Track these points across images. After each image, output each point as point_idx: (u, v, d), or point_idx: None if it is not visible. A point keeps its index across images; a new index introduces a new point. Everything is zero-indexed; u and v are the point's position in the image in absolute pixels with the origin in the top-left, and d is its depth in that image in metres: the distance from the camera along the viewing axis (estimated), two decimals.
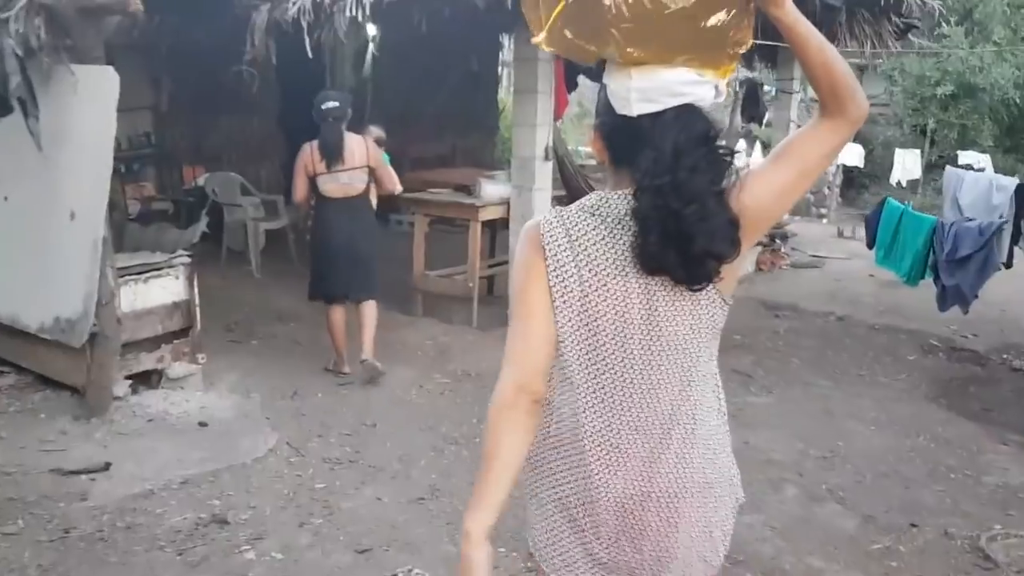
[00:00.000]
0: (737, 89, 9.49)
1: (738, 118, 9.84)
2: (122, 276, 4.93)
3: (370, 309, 5.81)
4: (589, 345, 1.66)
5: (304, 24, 5.80)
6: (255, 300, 7.65)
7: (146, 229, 5.34)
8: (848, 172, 14.54)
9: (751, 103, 9.72)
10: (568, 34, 1.59)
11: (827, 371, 6.25)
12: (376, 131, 6.20)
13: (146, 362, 5.13)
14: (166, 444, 4.57)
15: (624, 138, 1.62)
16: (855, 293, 8.85)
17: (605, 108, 1.65)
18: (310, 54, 5.87)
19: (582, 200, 1.70)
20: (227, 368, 5.81)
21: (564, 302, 1.65)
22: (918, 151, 14.04)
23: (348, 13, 5.74)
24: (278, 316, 7.21)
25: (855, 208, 14.59)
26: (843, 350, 6.76)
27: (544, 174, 6.61)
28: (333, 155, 5.53)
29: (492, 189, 6.81)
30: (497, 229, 7.62)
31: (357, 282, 5.78)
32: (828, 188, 14.17)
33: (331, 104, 5.57)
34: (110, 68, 4.60)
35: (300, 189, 5.67)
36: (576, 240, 1.64)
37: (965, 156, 13.60)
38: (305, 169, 5.61)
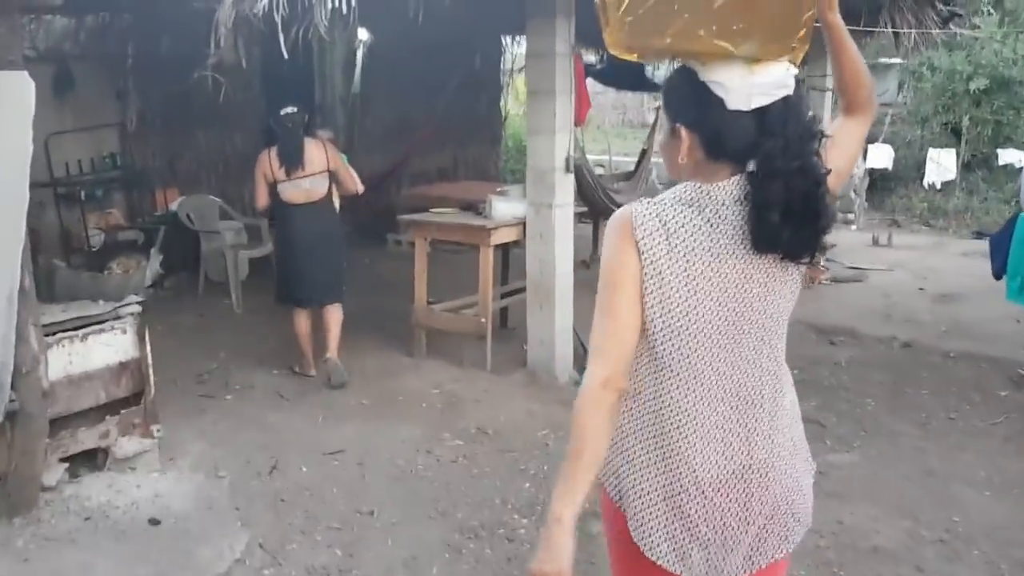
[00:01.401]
0: None
1: None
2: (52, 334, 3.94)
3: (335, 313, 5.80)
4: (690, 334, 1.73)
5: (278, 19, 4.82)
6: (234, 341, 6.66)
7: (81, 275, 4.33)
8: (871, 174, 13.56)
9: None
10: (703, 33, 1.65)
11: (911, 415, 5.24)
12: (324, 135, 6.07)
13: (86, 440, 4.12)
14: (103, 555, 3.54)
15: (732, 133, 1.69)
16: (910, 311, 7.84)
17: (704, 105, 1.71)
18: (285, 54, 4.88)
19: (675, 191, 1.76)
20: (193, 436, 4.81)
21: (663, 294, 1.72)
22: (953, 150, 13.05)
23: (330, 4, 4.77)
24: (259, 361, 6.22)
25: (882, 212, 13.63)
26: (921, 386, 5.75)
27: (565, 188, 5.62)
28: (293, 162, 5.51)
29: (505, 207, 5.81)
30: (509, 249, 6.64)
31: (324, 288, 5.76)
32: (854, 192, 13.17)
33: (289, 109, 5.56)
34: (24, 74, 3.59)
35: (261, 197, 5.68)
36: (674, 232, 1.70)
37: (1005, 155, 12.67)
38: (265, 176, 5.58)
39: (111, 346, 4.17)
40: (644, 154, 9.35)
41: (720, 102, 1.69)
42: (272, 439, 4.84)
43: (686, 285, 1.70)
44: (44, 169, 7.38)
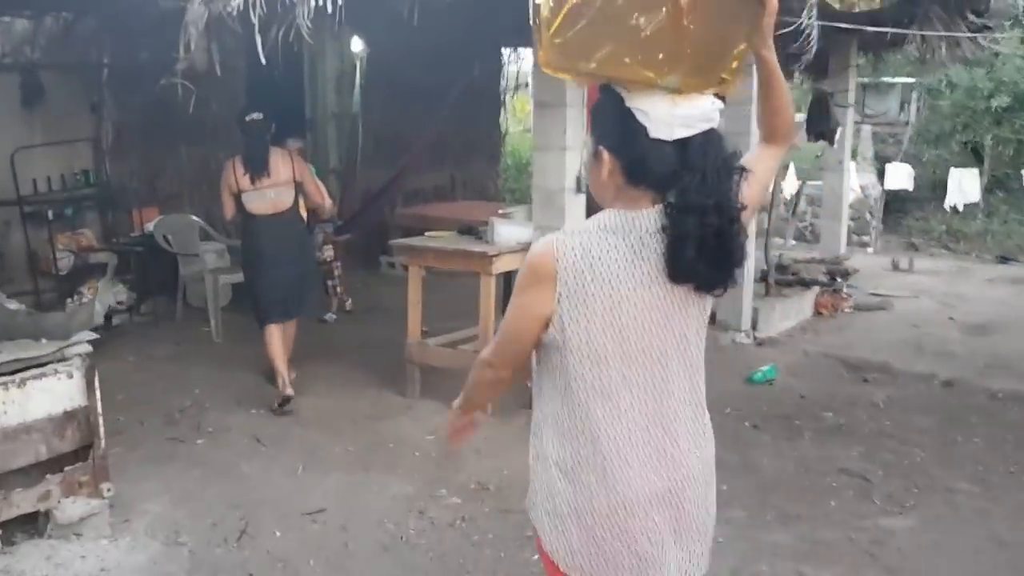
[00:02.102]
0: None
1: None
2: None
3: (291, 328, 5.70)
4: (615, 359, 1.76)
5: (255, 19, 4.27)
6: (211, 375, 6.08)
7: (17, 311, 3.74)
8: (887, 195, 13.01)
9: (818, 118, 8.12)
10: (629, 61, 1.66)
11: (966, 468, 4.65)
12: (294, 144, 5.94)
13: (23, 503, 3.52)
14: None
15: (652, 161, 1.71)
16: (942, 343, 7.26)
17: (627, 130, 1.72)
18: (263, 59, 4.34)
19: (598, 219, 1.78)
20: (155, 490, 4.22)
21: (587, 321, 1.74)
22: (976, 171, 12.48)
23: (313, 2, 4.23)
24: (237, 398, 5.64)
25: (897, 235, 13.09)
26: (972, 432, 5.16)
27: (576, 211, 5.06)
28: (258, 169, 5.35)
29: (508, 231, 5.24)
30: (512, 275, 6.06)
31: (293, 301, 5.64)
32: (870, 214, 12.63)
33: (254, 116, 5.41)
34: None
35: (227, 208, 5.56)
36: (598, 259, 1.72)
37: None
38: (229, 187, 5.44)
39: (54, 393, 3.59)
40: None
41: (643, 129, 1.70)
42: (244, 494, 4.25)
43: (610, 311, 1.73)
44: (10, 186, 6.84)
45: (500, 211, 5.54)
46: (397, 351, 5.73)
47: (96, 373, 3.67)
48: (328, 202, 5.82)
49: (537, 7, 1.66)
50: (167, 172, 8.37)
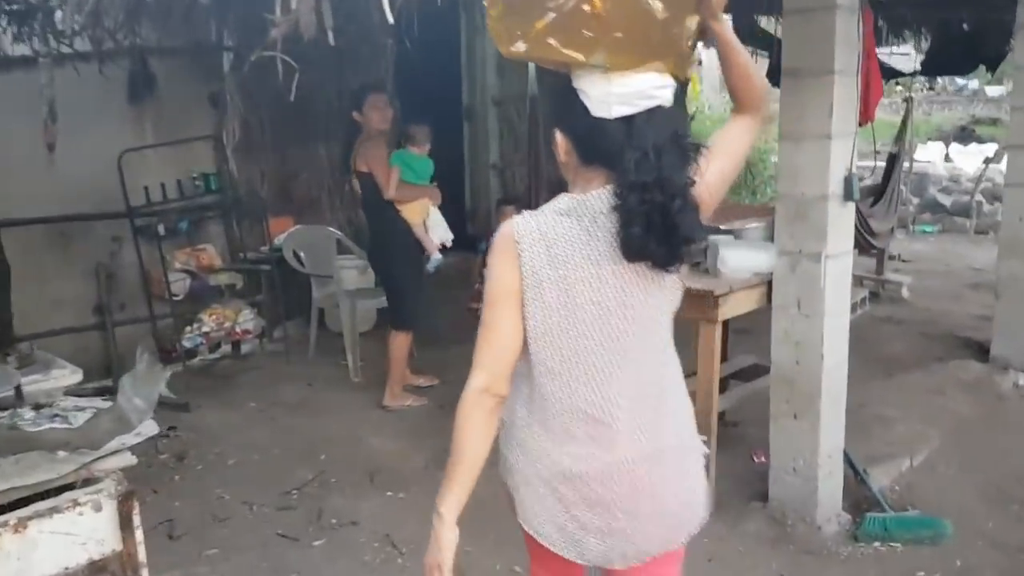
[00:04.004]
0: None
1: None
2: None
3: (390, 341, 5.21)
4: (571, 337, 1.76)
5: None
6: (342, 434, 4.86)
7: (35, 433, 2.47)
8: None
9: None
10: (553, 42, 1.66)
11: None
12: (416, 130, 5.42)
13: None
14: None
15: (598, 139, 1.73)
16: None
17: (574, 110, 1.74)
18: (391, 17, 2.98)
19: (554, 203, 1.78)
20: None
21: (544, 302, 1.75)
22: None
23: None
24: (370, 471, 4.38)
25: None
26: None
27: (843, 228, 3.50)
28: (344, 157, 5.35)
29: (740, 258, 3.68)
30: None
31: (389, 307, 5.39)
32: None
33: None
34: None
35: None
36: (553, 242, 1.74)
37: None
38: None
39: (76, 534, 2.32)
40: (894, 161, 6.99)
41: (586, 109, 1.72)
42: None
43: (565, 292, 1.74)
44: (118, 195, 5.76)
45: (723, 226, 3.96)
46: None
47: (136, 503, 2.38)
48: (390, 194, 5.10)
49: None
50: (303, 175, 7.20)
